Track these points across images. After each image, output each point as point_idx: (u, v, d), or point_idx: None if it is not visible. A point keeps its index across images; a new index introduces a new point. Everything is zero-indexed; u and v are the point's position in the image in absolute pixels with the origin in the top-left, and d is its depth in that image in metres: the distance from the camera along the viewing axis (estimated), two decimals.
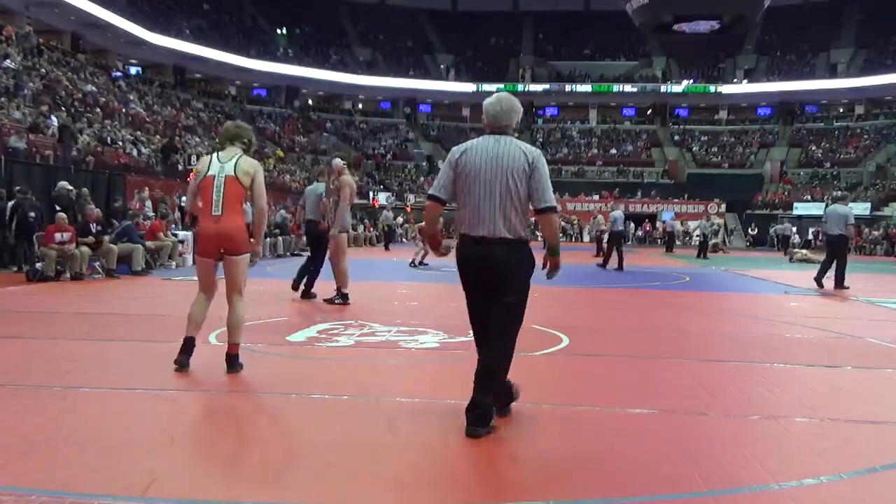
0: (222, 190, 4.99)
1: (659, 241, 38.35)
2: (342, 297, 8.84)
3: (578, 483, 3.16)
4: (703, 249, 25.24)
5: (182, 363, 5.00)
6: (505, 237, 3.73)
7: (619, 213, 17.81)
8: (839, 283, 12.62)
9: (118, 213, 14.88)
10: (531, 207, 3.78)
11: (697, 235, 28.14)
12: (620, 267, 16.58)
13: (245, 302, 5.18)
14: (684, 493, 3.06)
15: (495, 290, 3.76)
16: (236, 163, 5.05)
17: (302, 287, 9.47)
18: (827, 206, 40.57)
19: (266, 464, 3.24)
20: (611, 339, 7.17)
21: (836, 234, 12.77)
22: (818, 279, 12.88)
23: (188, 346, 5.09)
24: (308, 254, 9.96)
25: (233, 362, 5.05)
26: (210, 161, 5.14)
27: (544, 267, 3.99)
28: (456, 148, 3.93)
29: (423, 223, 5.00)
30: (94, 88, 29.77)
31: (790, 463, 3.48)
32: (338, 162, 8.95)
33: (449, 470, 3.27)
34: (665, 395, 4.80)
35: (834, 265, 12.80)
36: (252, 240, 5.18)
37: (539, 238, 10.96)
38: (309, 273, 9.45)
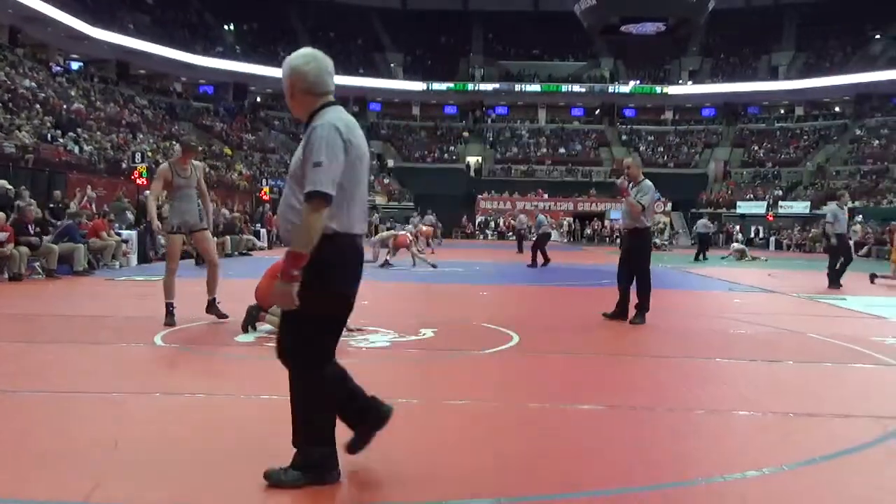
0: None
1: (607, 239, 38.92)
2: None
3: (530, 479, 3.19)
4: (702, 250, 23.81)
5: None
6: None
7: (543, 218, 19.89)
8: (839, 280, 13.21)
9: (60, 213, 14.48)
10: None
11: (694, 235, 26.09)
12: (546, 263, 17.76)
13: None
14: (630, 487, 3.11)
15: None
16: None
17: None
18: (769, 204, 41.89)
19: (208, 463, 3.19)
20: (560, 336, 7.22)
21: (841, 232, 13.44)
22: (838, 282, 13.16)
23: None
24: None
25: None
26: None
27: None
28: None
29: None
30: (33, 84, 28.92)
31: (734, 455, 3.56)
32: (179, 149, 7.74)
33: (394, 468, 3.27)
34: (612, 391, 4.87)
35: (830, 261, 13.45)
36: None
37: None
38: None
